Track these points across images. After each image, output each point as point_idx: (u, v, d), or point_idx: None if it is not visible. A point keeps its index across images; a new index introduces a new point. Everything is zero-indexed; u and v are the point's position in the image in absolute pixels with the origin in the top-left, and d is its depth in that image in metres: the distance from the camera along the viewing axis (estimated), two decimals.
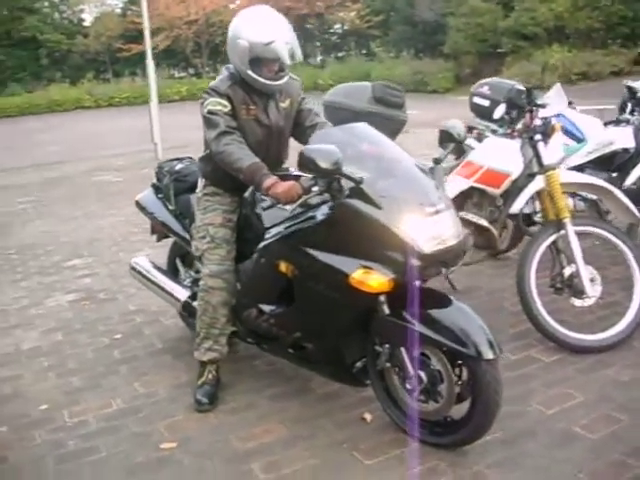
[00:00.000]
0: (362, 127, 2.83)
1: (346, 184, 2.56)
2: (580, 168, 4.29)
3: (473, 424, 2.60)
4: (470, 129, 4.74)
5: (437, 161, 2.81)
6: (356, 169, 2.57)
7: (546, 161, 3.52)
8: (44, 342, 4.07)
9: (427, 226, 2.51)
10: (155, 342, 3.94)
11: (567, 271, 3.49)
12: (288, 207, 2.77)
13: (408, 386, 2.67)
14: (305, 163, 2.46)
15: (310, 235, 2.74)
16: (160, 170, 3.76)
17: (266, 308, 3.03)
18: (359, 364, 2.89)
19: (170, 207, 3.66)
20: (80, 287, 5.04)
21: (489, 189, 3.74)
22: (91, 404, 3.28)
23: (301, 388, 3.28)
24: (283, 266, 2.83)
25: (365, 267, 2.53)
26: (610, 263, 4.21)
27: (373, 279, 2.52)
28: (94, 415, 3.17)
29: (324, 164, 2.44)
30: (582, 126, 4.30)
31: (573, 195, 4.11)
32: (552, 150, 3.56)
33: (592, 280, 3.45)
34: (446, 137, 2.91)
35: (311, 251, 2.71)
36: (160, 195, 3.75)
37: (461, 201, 3.86)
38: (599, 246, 4.41)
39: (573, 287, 3.47)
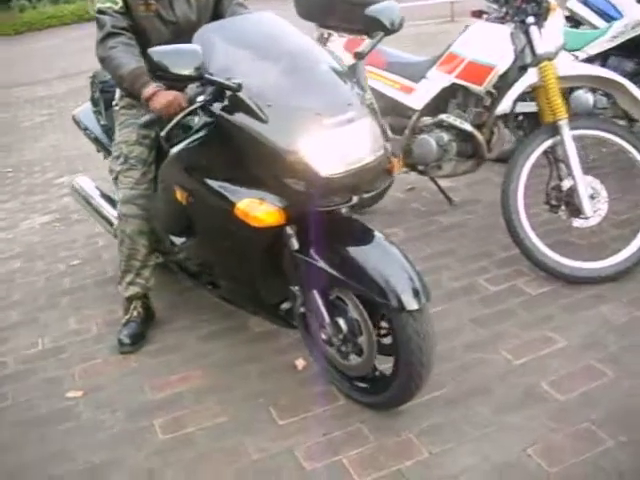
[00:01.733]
0: (263, 18, 2.24)
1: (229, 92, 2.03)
2: (605, 57, 3.51)
3: (397, 385, 2.13)
4: (480, 14, 3.97)
5: (358, 55, 2.20)
6: (241, 73, 2.02)
7: (540, 50, 2.79)
8: (0, 269, 3.83)
9: (326, 141, 1.95)
10: (107, 269, 3.60)
11: (565, 184, 2.84)
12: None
13: (323, 335, 2.20)
14: (153, 68, 1.93)
15: (196, 157, 2.26)
16: (93, 80, 3.29)
17: (175, 240, 2.61)
18: (285, 305, 2.43)
19: (102, 122, 3.22)
20: (59, 207, 4.75)
21: (471, 86, 3.06)
22: (19, 342, 3.01)
23: (238, 326, 2.87)
24: (178, 193, 2.36)
25: (254, 196, 2.03)
26: (622, 177, 3.46)
27: (260, 210, 2.02)
28: (15, 356, 2.90)
29: (177, 69, 1.90)
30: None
31: (593, 90, 3.37)
32: (548, 36, 2.81)
33: (593, 196, 2.79)
34: (373, 24, 2.28)
35: (200, 176, 2.22)
36: (95, 109, 3.30)
37: (443, 102, 3.21)
38: (609, 155, 3.68)
39: (571, 204, 2.84)
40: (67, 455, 2.27)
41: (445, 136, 3.18)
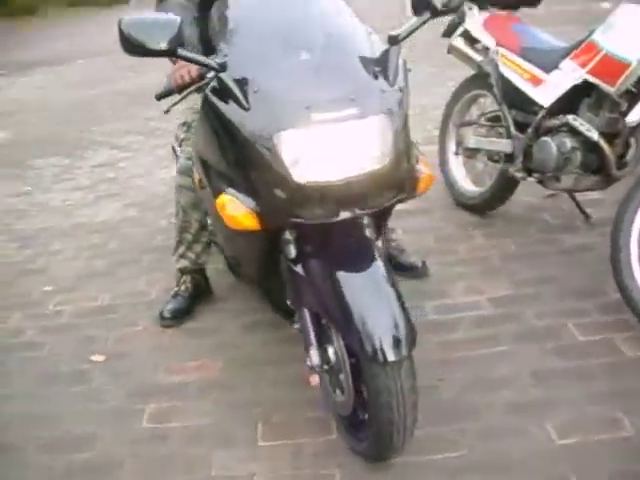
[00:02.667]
0: None
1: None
2: None
3: (370, 438, 1.77)
4: None
5: (393, 40, 1.78)
6: (241, 48, 1.74)
7: None
8: (115, 216, 3.96)
9: (308, 142, 1.60)
10: None
11: None
12: None
13: (307, 361, 1.89)
14: (122, 40, 1.68)
15: (196, 139, 2.03)
16: None
17: (206, 220, 2.44)
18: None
19: None
20: None
21: (602, 85, 2.43)
22: (84, 294, 3.07)
23: (279, 322, 2.63)
24: (195, 174, 2.17)
25: (233, 194, 1.77)
26: None
27: (235, 210, 1.73)
28: (75, 308, 2.96)
29: (149, 41, 1.65)
30: None
31: None
32: None
33: None
34: (421, 2, 1.83)
35: (200, 159, 2.00)
36: None
37: (576, 100, 2.62)
38: None
39: None
40: (57, 419, 2.25)
41: (568, 142, 2.60)
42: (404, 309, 1.68)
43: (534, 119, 2.77)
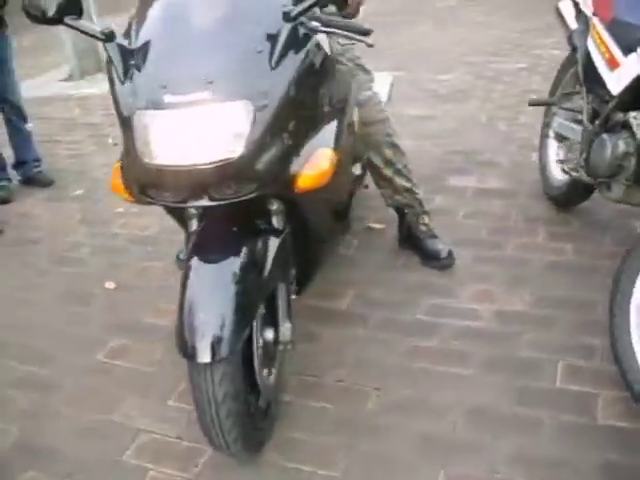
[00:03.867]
0: None
1: None
2: None
3: None
4: None
5: (286, 17, 1.52)
6: (139, 23, 1.66)
7: None
8: None
9: (159, 124, 1.50)
10: None
11: None
12: None
13: None
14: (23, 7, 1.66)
15: None
16: None
17: None
18: None
19: None
20: None
21: None
22: (143, 222, 3.21)
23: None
24: None
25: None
26: None
27: (116, 178, 1.71)
28: (128, 233, 3.17)
29: (42, 11, 1.61)
30: None
31: None
32: None
33: None
34: None
35: None
36: None
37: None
38: None
39: None
40: (35, 331, 2.50)
41: (622, 145, 2.10)
42: (242, 311, 1.55)
43: (605, 109, 2.26)
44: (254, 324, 1.68)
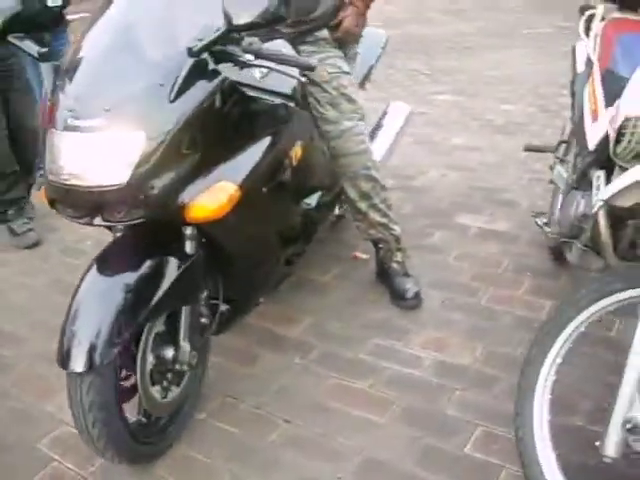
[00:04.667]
0: None
1: None
2: None
3: None
4: None
5: (190, 52, 1.54)
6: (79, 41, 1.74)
7: None
8: None
9: (60, 145, 1.57)
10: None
11: None
12: None
13: None
14: None
15: None
16: None
17: None
18: None
19: None
20: None
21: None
22: None
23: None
24: None
25: None
26: None
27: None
28: None
29: None
30: None
31: None
32: None
33: None
34: None
35: None
36: None
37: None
38: None
39: None
40: (18, 315, 2.66)
41: (583, 205, 1.98)
42: (119, 324, 1.59)
43: (582, 164, 2.13)
44: (149, 340, 1.74)
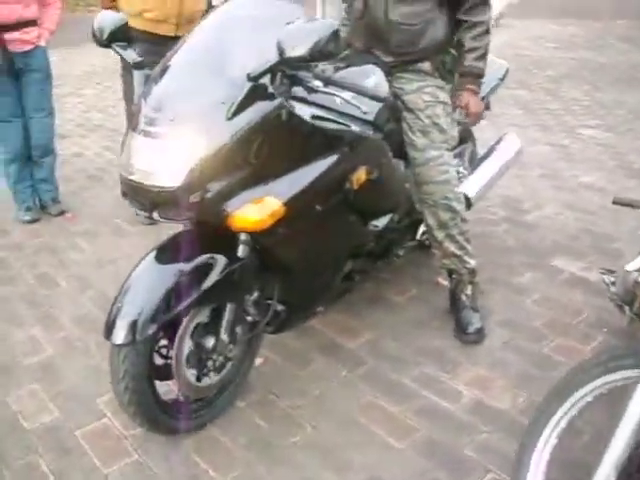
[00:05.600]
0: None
1: None
2: None
3: None
4: None
5: (249, 77, 1.71)
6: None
7: None
8: None
9: (132, 145, 1.82)
10: None
11: None
12: None
13: None
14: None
15: None
16: None
17: None
18: None
19: None
20: None
21: None
22: None
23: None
24: None
25: None
26: None
27: None
28: None
29: (99, 35, 2.03)
30: None
31: None
32: None
33: None
34: None
35: None
36: None
37: None
38: None
39: None
40: None
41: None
42: (159, 309, 1.79)
43: None
44: (189, 327, 1.95)
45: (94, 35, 2.04)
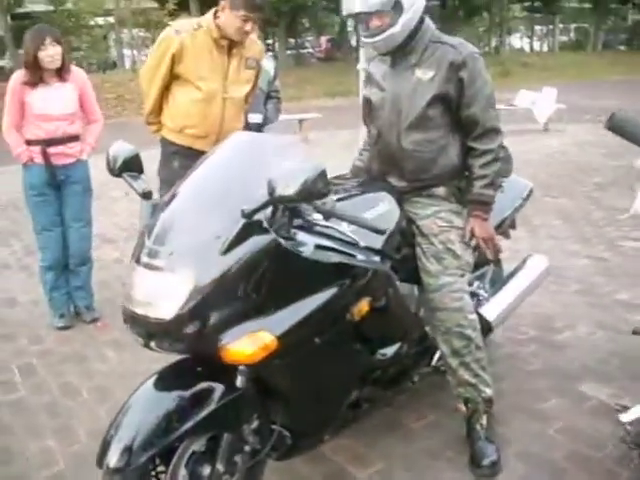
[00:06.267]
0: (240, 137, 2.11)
1: None
2: None
3: None
4: None
5: (244, 214, 1.78)
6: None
7: None
8: None
9: (133, 276, 1.90)
10: None
11: None
12: None
13: None
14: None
15: None
16: None
17: None
18: None
19: None
20: None
21: None
22: None
23: None
24: None
25: None
26: None
27: None
28: None
29: (112, 165, 2.15)
30: None
31: None
32: None
33: None
34: None
35: None
36: None
37: None
38: None
39: None
40: None
41: None
42: (153, 436, 1.78)
43: None
44: (184, 455, 1.92)
45: (108, 164, 2.16)
